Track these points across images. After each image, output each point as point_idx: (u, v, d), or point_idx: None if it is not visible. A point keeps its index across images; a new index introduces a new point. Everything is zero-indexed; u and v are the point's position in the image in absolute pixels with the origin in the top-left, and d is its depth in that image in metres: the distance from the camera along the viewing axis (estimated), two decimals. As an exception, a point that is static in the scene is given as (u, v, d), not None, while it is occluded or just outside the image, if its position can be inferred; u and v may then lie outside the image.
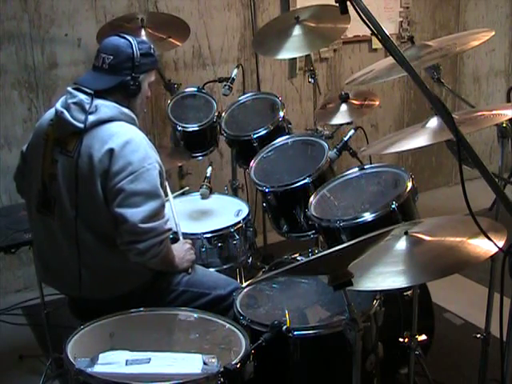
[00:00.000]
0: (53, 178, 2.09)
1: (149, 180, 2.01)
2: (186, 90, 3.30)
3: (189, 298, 2.21)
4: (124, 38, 2.12)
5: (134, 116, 2.12)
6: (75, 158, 2.02)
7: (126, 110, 2.09)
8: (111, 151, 1.98)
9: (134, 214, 1.97)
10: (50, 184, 2.10)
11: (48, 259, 2.21)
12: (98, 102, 2.04)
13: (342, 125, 3.10)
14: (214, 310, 2.17)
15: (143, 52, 2.12)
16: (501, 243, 1.47)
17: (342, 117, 2.94)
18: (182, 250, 2.26)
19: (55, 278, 2.22)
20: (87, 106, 2.02)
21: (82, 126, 2.01)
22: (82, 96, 2.05)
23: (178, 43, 3.26)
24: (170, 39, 3.21)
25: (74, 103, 2.04)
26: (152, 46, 2.19)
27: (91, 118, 2.02)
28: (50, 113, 2.16)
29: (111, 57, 2.09)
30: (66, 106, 2.05)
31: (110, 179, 1.99)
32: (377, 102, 2.96)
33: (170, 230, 2.10)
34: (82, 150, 2.01)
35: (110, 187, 1.99)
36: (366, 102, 2.96)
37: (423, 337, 2.22)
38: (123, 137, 2.02)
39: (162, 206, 2.05)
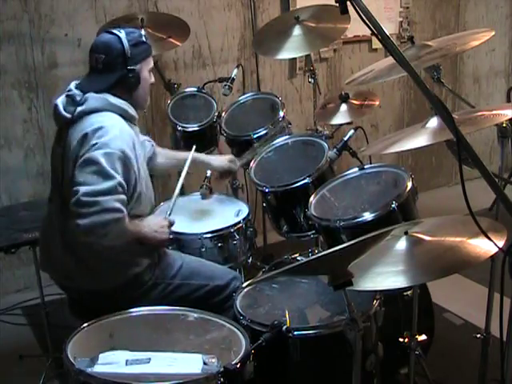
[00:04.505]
0: (52, 166, 2.19)
1: (108, 159, 1.96)
2: (186, 89, 3.30)
3: (187, 291, 2.22)
4: (112, 33, 2.11)
5: (125, 108, 2.12)
6: (62, 148, 2.08)
7: (116, 101, 2.10)
8: (84, 136, 2.01)
9: (84, 187, 1.92)
10: (52, 172, 2.19)
11: (48, 245, 2.22)
12: (88, 94, 2.08)
13: (341, 125, 3.10)
14: (212, 300, 2.22)
15: (134, 43, 2.11)
16: (501, 243, 1.47)
17: (342, 117, 2.94)
18: (153, 224, 2.15)
19: (50, 265, 2.23)
20: (78, 98, 2.07)
21: (70, 116, 2.06)
22: (77, 90, 2.11)
23: (178, 43, 3.26)
24: (170, 39, 3.21)
25: (68, 96, 2.10)
26: (142, 33, 2.19)
27: (78, 108, 2.06)
28: None
29: (103, 56, 2.09)
30: (62, 100, 2.12)
31: (78, 158, 2.00)
32: (377, 102, 2.96)
33: (121, 211, 1.96)
34: (67, 140, 2.06)
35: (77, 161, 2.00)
36: (366, 102, 2.96)
37: (423, 337, 2.22)
38: (98, 124, 2.03)
39: (116, 188, 1.95)
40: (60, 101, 2.12)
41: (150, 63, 2.21)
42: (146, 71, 2.18)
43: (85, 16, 3.48)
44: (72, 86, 2.15)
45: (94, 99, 2.07)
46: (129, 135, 2.09)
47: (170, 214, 2.26)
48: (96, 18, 3.50)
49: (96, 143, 1.99)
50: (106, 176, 1.95)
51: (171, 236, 2.24)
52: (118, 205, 1.96)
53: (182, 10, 3.72)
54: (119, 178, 1.98)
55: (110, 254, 2.05)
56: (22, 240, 2.59)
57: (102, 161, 1.96)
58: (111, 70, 2.10)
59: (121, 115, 2.11)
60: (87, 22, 3.48)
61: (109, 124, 2.05)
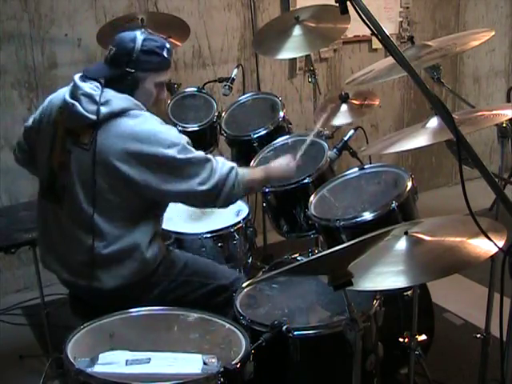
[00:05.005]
0: (64, 167, 2.09)
1: (185, 151, 2.04)
2: (186, 90, 3.30)
3: (190, 288, 2.22)
4: (134, 31, 2.11)
5: (143, 107, 2.10)
6: (92, 152, 2.02)
7: (136, 101, 2.08)
8: (137, 152, 1.99)
9: (197, 180, 2.03)
10: (59, 172, 2.10)
11: (54, 244, 2.19)
12: (108, 93, 2.04)
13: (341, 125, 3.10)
14: (215, 300, 2.22)
15: (146, 49, 2.08)
16: (501, 243, 1.47)
17: (342, 117, 2.94)
18: (281, 162, 2.36)
19: (55, 263, 2.20)
20: (97, 97, 2.02)
21: (94, 117, 2.01)
22: (90, 86, 2.05)
23: (178, 43, 3.26)
24: (170, 39, 3.19)
25: (84, 94, 2.03)
26: (166, 46, 2.13)
27: (104, 109, 2.01)
28: (58, 99, 2.14)
29: (114, 49, 2.10)
30: (77, 98, 2.04)
31: (149, 178, 2.01)
32: (377, 102, 2.96)
33: (233, 167, 2.12)
34: (98, 144, 2.01)
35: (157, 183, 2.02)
36: (366, 102, 2.96)
37: (423, 337, 2.22)
38: (141, 127, 2.02)
39: (213, 161, 2.09)
40: (74, 98, 2.04)
41: (160, 77, 2.15)
42: (151, 83, 2.13)
43: (85, 16, 3.48)
44: (77, 78, 2.08)
45: (118, 99, 2.04)
46: (165, 123, 2.12)
47: (299, 156, 2.42)
48: (96, 18, 3.50)
49: (165, 149, 2.00)
50: (200, 161, 2.06)
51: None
52: (227, 166, 2.11)
53: (182, 10, 3.72)
54: (204, 154, 2.10)
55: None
56: (22, 240, 2.58)
57: (185, 157, 2.02)
58: (114, 65, 2.09)
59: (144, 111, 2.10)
60: (87, 21, 3.48)
61: (150, 126, 2.04)
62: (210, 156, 2.11)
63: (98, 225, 2.05)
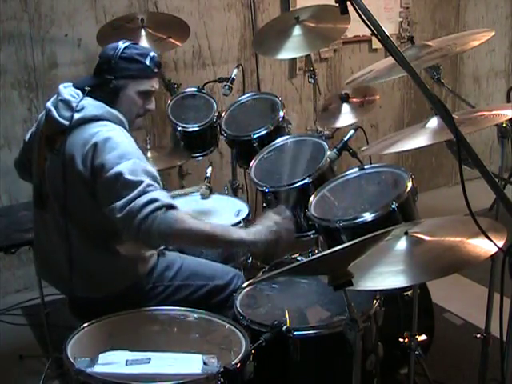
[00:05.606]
0: (44, 174, 2.10)
1: (130, 170, 1.92)
2: (186, 90, 3.29)
3: (186, 292, 2.21)
4: (119, 41, 2.12)
5: (122, 118, 2.09)
6: (60, 157, 2.01)
7: (113, 111, 2.07)
8: (94, 150, 1.95)
9: (117, 203, 1.89)
10: (43, 180, 2.12)
11: (45, 254, 2.21)
12: (85, 101, 2.05)
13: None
14: (214, 300, 2.21)
15: (125, 56, 2.08)
16: (501, 243, 1.47)
17: (345, 118, 2.95)
18: (260, 223, 2.06)
19: (50, 273, 2.23)
20: (74, 104, 2.02)
21: (67, 123, 2.01)
22: (70, 93, 2.06)
23: (178, 43, 3.26)
24: (170, 39, 3.21)
25: (62, 101, 2.05)
26: (148, 55, 2.11)
27: (76, 115, 2.01)
28: None
29: (99, 58, 2.13)
30: (55, 104, 2.06)
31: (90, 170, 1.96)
32: (377, 97, 2.96)
33: (155, 200, 1.87)
34: (66, 148, 2.00)
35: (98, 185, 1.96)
36: (366, 98, 2.96)
37: (423, 337, 2.22)
38: (104, 134, 1.98)
39: (144, 189, 1.89)
40: (53, 105, 2.07)
41: (141, 85, 2.11)
42: (132, 91, 2.11)
43: (85, 16, 3.48)
44: (61, 88, 2.09)
45: (92, 106, 2.03)
46: (133, 141, 2.06)
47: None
48: (96, 18, 3.50)
49: (110, 157, 1.93)
50: (133, 186, 1.89)
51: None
52: (148, 198, 1.87)
53: (182, 10, 3.72)
54: (147, 181, 1.91)
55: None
56: (22, 240, 2.59)
57: (125, 172, 1.91)
58: (97, 74, 2.12)
59: (118, 124, 2.07)
60: (87, 21, 3.48)
61: (114, 134, 2.00)
62: (144, 185, 1.90)
63: (72, 237, 2.04)
